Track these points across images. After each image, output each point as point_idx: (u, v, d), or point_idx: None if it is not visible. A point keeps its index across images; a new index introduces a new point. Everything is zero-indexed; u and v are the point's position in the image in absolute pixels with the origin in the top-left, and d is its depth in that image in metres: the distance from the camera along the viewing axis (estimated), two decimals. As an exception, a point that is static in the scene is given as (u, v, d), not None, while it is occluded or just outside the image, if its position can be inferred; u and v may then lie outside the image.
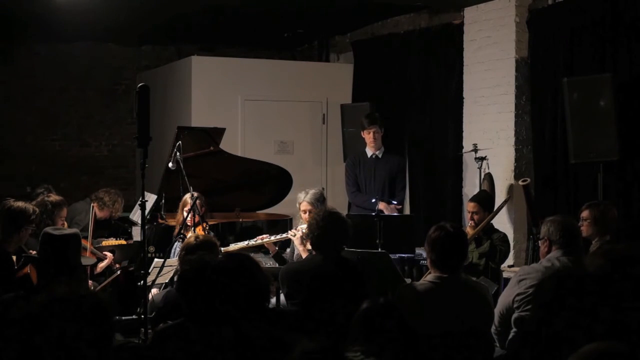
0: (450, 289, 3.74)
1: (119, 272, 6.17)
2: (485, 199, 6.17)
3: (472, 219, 5.91)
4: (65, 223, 6.03)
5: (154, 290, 5.19)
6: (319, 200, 5.85)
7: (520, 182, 6.29)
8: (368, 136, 6.91)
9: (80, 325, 2.41)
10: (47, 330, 2.38)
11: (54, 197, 5.96)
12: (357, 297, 3.83)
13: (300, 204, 5.88)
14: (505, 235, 5.95)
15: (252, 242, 5.84)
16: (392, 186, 6.86)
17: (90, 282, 5.69)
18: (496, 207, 6.09)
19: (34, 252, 5.04)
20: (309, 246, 5.29)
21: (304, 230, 5.46)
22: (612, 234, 5.02)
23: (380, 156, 6.94)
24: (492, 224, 5.96)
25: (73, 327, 2.40)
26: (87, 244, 5.90)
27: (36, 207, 5.18)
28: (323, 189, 7.67)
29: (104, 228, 7.08)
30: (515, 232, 6.94)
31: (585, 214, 5.02)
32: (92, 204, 6.49)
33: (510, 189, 6.92)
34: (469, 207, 6.01)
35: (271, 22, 8.65)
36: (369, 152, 6.96)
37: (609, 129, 5.90)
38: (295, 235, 5.59)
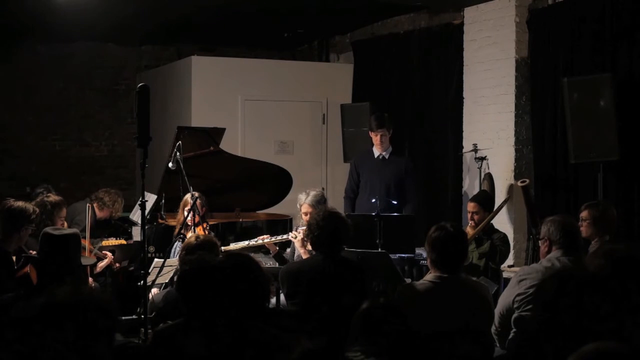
0: (450, 288, 3.74)
1: (117, 265, 6.20)
2: (485, 199, 6.17)
3: (472, 219, 5.91)
4: (65, 223, 6.02)
5: (154, 290, 5.19)
6: (320, 201, 5.83)
7: (519, 183, 6.26)
8: (375, 138, 6.75)
9: (83, 325, 2.40)
10: (49, 330, 2.38)
11: (53, 198, 5.96)
12: (357, 297, 3.84)
13: (301, 205, 5.87)
14: (505, 236, 5.95)
15: (252, 242, 5.84)
16: (399, 189, 6.69)
17: (90, 279, 5.69)
18: (496, 207, 6.09)
19: (34, 252, 5.03)
20: (309, 247, 5.30)
21: (305, 232, 5.45)
22: (612, 234, 5.01)
23: (387, 157, 6.78)
24: (492, 224, 5.96)
25: (76, 327, 2.39)
26: (86, 243, 5.90)
27: (35, 207, 5.18)
28: (323, 189, 7.66)
29: (104, 228, 7.08)
30: (515, 232, 6.94)
31: (584, 214, 4.99)
32: (88, 204, 6.48)
33: (510, 189, 6.93)
34: (469, 207, 6.01)
35: (271, 22, 8.65)
36: (376, 152, 6.82)
37: (609, 129, 5.90)
38: (296, 238, 5.58)
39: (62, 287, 2.52)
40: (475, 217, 5.89)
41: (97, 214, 7.02)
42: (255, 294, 3.13)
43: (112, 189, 7.31)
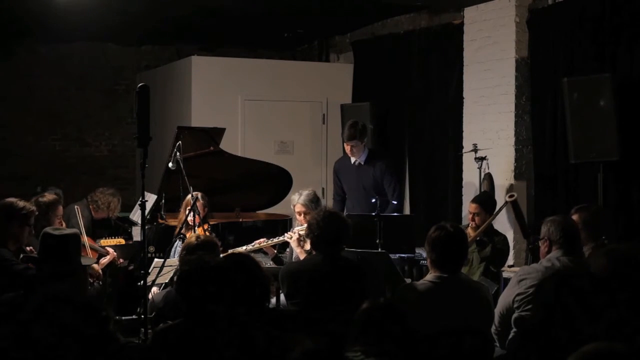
0: (450, 288, 3.74)
1: (121, 261, 6.23)
2: (487, 200, 6.07)
3: (473, 219, 5.84)
4: (63, 222, 6.02)
5: (154, 290, 5.19)
6: (313, 201, 5.85)
7: (507, 198, 6.00)
8: (346, 147, 6.73)
9: (71, 324, 2.39)
10: (39, 329, 2.37)
11: (47, 197, 5.94)
12: (357, 297, 3.84)
13: (294, 206, 5.89)
14: (505, 238, 5.89)
15: (249, 247, 5.84)
16: (380, 191, 6.63)
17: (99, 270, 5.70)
18: (497, 208, 6.06)
19: (32, 251, 5.03)
20: (306, 247, 5.31)
21: (300, 232, 5.48)
22: (604, 236, 4.89)
23: (362, 163, 6.74)
24: (492, 224, 5.92)
25: (64, 326, 2.38)
26: (86, 239, 5.90)
27: (31, 205, 5.14)
28: (323, 189, 7.67)
29: (104, 228, 7.07)
30: (516, 233, 6.93)
31: (575, 217, 4.73)
32: (76, 206, 6.46)
33: (510, 189, 6.92)
34: (470, 208, 5.94)
35: (271, 22, 8.65)
36: (352, 159, 6.80)
37: (609, 129, 5.90)
38: (291, 238, 5.60)
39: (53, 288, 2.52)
40: (477, 218, 5.82)
41: (94, 215, 7.01)
42: (255, 294, 3.13)
43: (108, 188, 7.25)
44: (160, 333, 3.16)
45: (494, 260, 5.71)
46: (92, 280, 5.92)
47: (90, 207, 6.97)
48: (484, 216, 5.80)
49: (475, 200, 6.03)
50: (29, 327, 2.39)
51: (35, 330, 2.38)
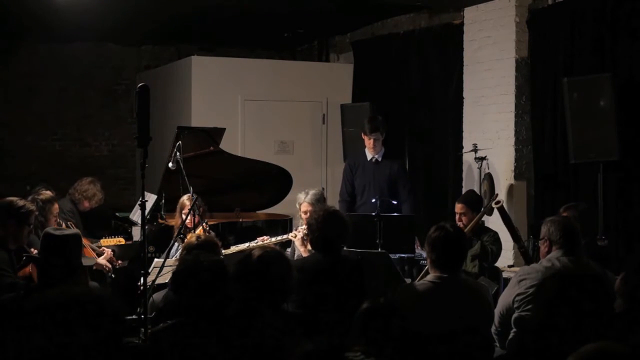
0: (450, 288, 3.74)
1: (119, 262, 6.22)
2: (473, 200, 5.92)
3: (460, 220, 5.69)
4: (62, 222, 6.02)
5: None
6: (319, 200, 5.83)
7: (493, 204, 5.64)
8: (368, 142, 6.73)
9: (90, 324, 2.39)
10: (55, 328, 2.36)
11: (44, 195, 5.93)
12: (357, 296, 3.84)
13: (300, 204, 5.87)
14: (496, 234, 5.72)
15: (252, 244, 5.83)
16: (393, 189, 6.67)
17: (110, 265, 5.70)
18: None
19: (35, 251, 5.03)
20: (309, 247, 5.30)
21: (305, 232, 5.45)
22: (592, 234, 4.90)
23: (380, 159, 6.77)
24: (483, 222, 5.83)
25: (83, 326, 2.37)
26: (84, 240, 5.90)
27: (30, 204, 5.13)
28: (323, 189, 7.65)
29: (105, 228, 7.06)
30: (515, 230, 6.92)
31: (565, 215, 4.83)
32: (68, 222, 6.45)
33: (510, 189, 6.92)
34: (456, 208, 5.77)
35: (271, 22, 8.65)
36: (369, 155, 6.82)
37: (609, 129, 5.89)
38: (296, 237, 5.58)
39: (69, 286, 2.51)
40: (464, 218, 5.67)
41: (79, 207, 6.99)
42: (254, 294, 3.13)
43: (87, 178, 7.17)
44: (159, 333, 3.16)
45: (485, 257, 5.61)
46: (107, 269, 5.95)
47: (72, 199, 6.96)
48: (470, 216, 5.66)
49: (460, 200, 5.87)
50: (31, 327, 2.38)
51: (37, 330, 2.37)
